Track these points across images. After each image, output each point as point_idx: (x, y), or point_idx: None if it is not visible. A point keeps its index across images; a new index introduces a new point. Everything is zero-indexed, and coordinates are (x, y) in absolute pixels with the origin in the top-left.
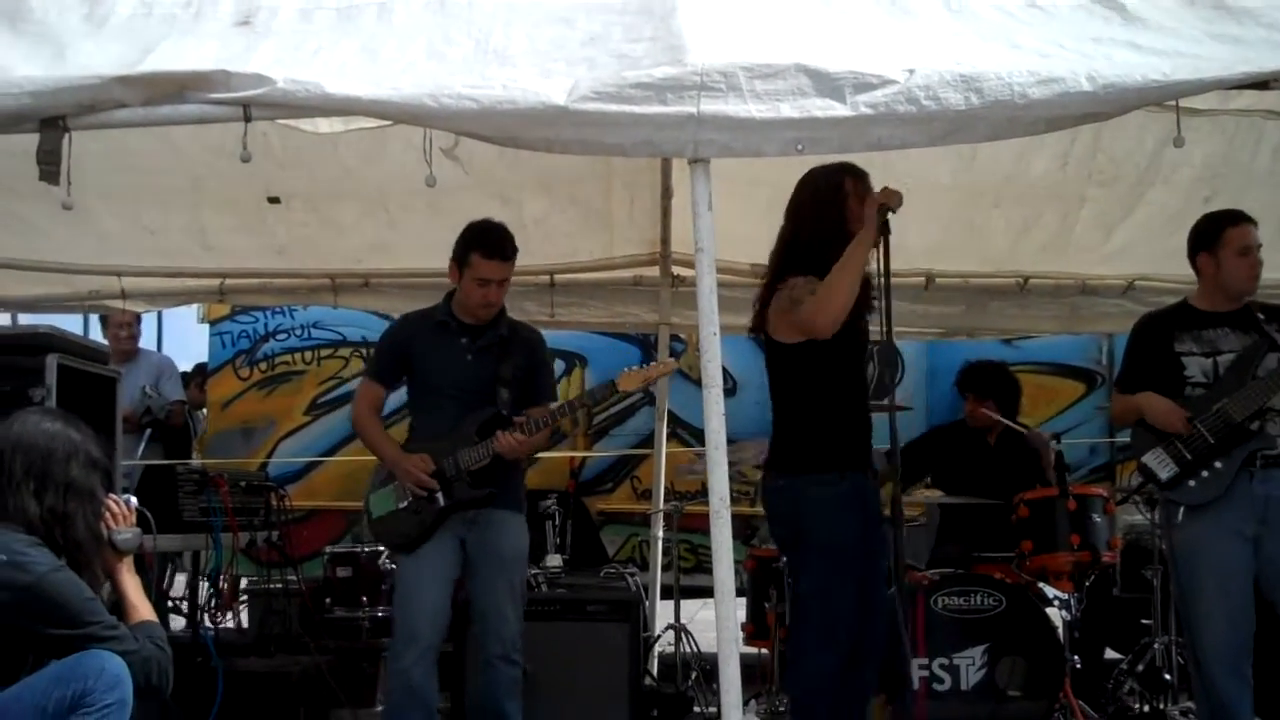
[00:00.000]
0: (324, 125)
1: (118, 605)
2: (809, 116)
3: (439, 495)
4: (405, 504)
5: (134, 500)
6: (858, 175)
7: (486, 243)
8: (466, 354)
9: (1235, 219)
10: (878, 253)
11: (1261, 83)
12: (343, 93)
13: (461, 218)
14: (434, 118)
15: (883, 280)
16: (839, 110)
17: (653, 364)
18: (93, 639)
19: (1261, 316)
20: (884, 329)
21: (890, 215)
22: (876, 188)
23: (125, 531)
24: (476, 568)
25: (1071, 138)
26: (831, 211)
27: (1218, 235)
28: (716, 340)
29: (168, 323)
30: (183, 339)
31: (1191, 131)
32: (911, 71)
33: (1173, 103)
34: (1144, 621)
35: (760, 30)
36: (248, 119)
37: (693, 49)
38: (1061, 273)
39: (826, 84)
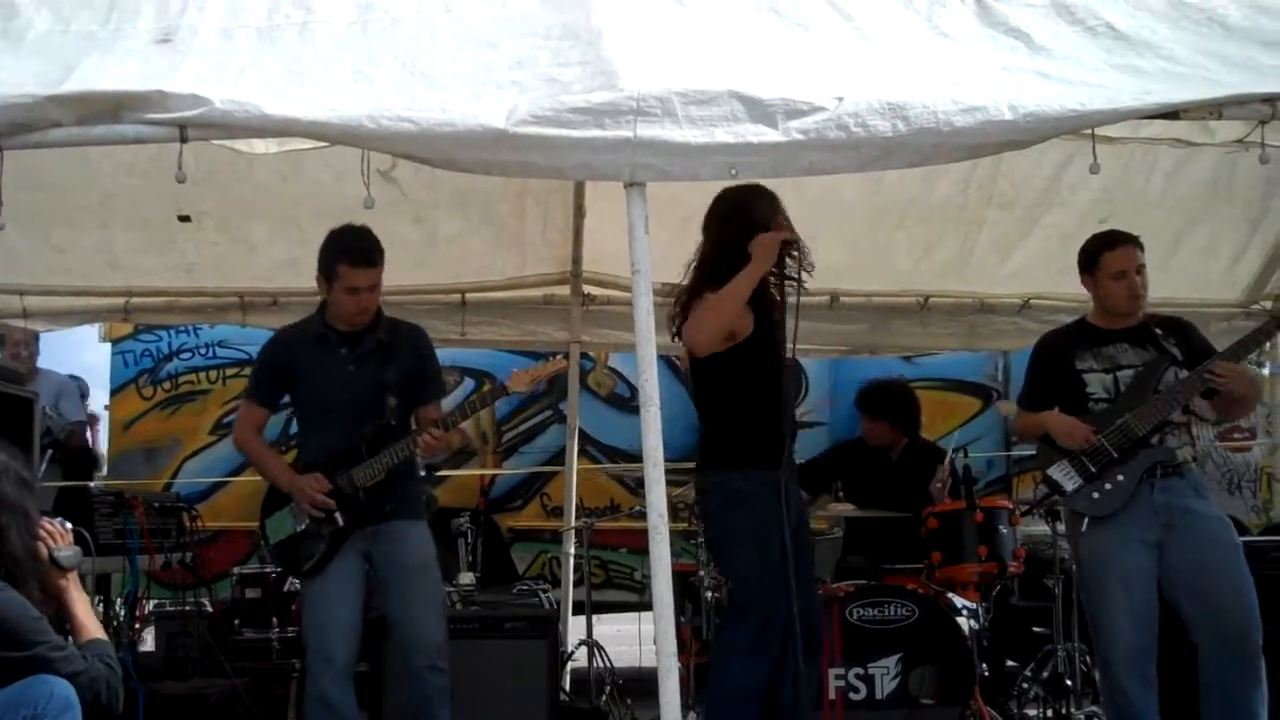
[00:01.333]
0: (259, 146)
1: (61, 626)
2: (743, 142)
3: (337, 515)
4: (304, 526)
5: (69, 523)
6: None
7: (352, 252)
8: (348, 364)
9: (1112, 242)
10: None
11: (1172, 113)
12: (281, 114)
13: (377, 235)
14: (372, 139)
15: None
16: (771, 136)
17: (540, 364)
18: (40, 660)
19: (1159, 332)
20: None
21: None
22: (788, 206)
23: (66, 549)
24: (386, 582)
25: (975, 162)
26: (735, 230)
27: (1095, 258)
28: (654, 360)
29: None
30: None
31: (1090, 156)
32: (840, 99)
33: (1088, 131)
34: (1035, 629)
35: (690, 56)
36: (184, 139)
37: (625, 74)
38: (961, 292)
39: (759, 110)
